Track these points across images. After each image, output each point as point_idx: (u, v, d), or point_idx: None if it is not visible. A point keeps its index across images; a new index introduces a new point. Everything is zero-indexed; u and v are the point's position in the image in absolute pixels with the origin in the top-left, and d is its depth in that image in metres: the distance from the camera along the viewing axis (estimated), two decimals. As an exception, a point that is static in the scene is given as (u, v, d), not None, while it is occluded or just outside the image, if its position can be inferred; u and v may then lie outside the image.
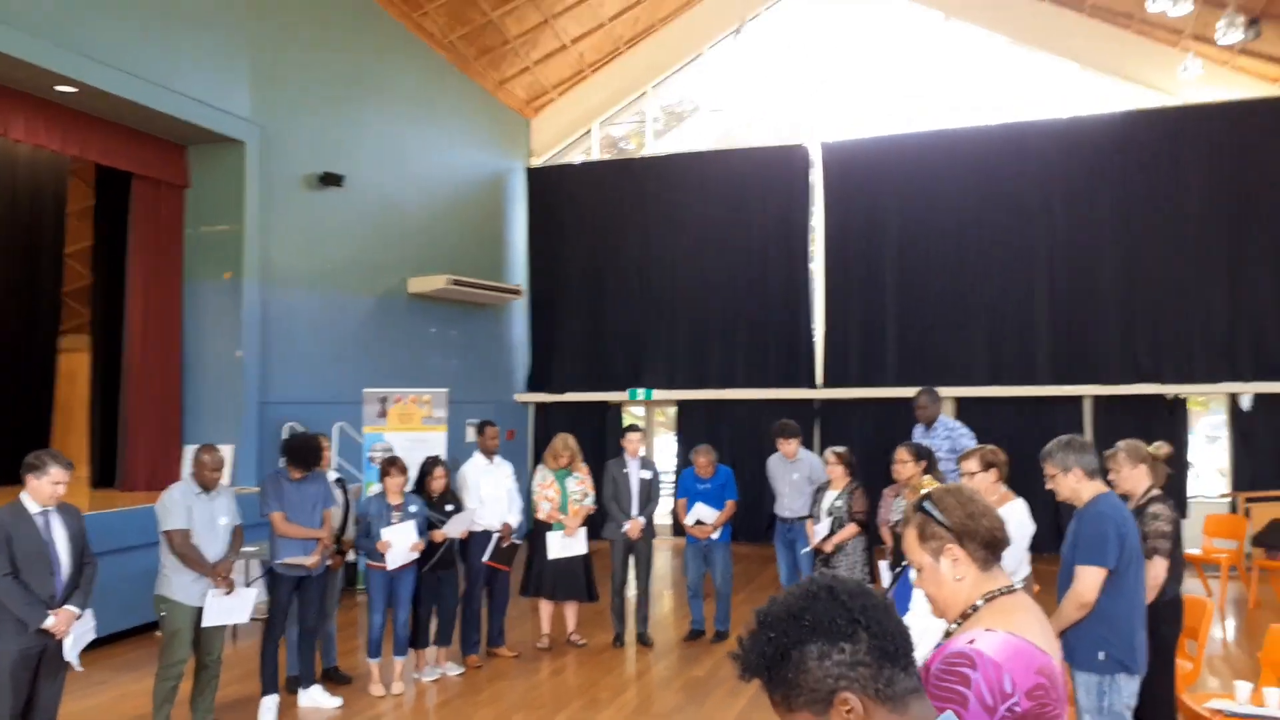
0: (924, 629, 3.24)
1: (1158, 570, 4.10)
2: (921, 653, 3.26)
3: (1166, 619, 4.16)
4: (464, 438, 11.26)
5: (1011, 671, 1.79)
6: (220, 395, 8.90)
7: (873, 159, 12.01)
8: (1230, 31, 7.49)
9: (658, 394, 12.61)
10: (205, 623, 5.21)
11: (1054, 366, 11.24)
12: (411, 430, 9.73)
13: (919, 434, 6.80)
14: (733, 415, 12.21)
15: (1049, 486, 3.95)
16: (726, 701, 6.08)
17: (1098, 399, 11.13)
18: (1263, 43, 10.02)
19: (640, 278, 12.89)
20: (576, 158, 13.72)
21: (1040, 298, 11.36)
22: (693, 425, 12.51)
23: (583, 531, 7.26)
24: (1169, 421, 10.72)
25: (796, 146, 12.50)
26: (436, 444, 10.02)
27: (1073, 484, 3.90)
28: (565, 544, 7.19)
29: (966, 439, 6.56)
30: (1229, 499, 10.47)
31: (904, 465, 5.76)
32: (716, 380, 12.36)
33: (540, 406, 13.22)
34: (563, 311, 13.23)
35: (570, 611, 7.45)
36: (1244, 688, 4.22)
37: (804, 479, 7.14)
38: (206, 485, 5.26)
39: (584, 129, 13.66)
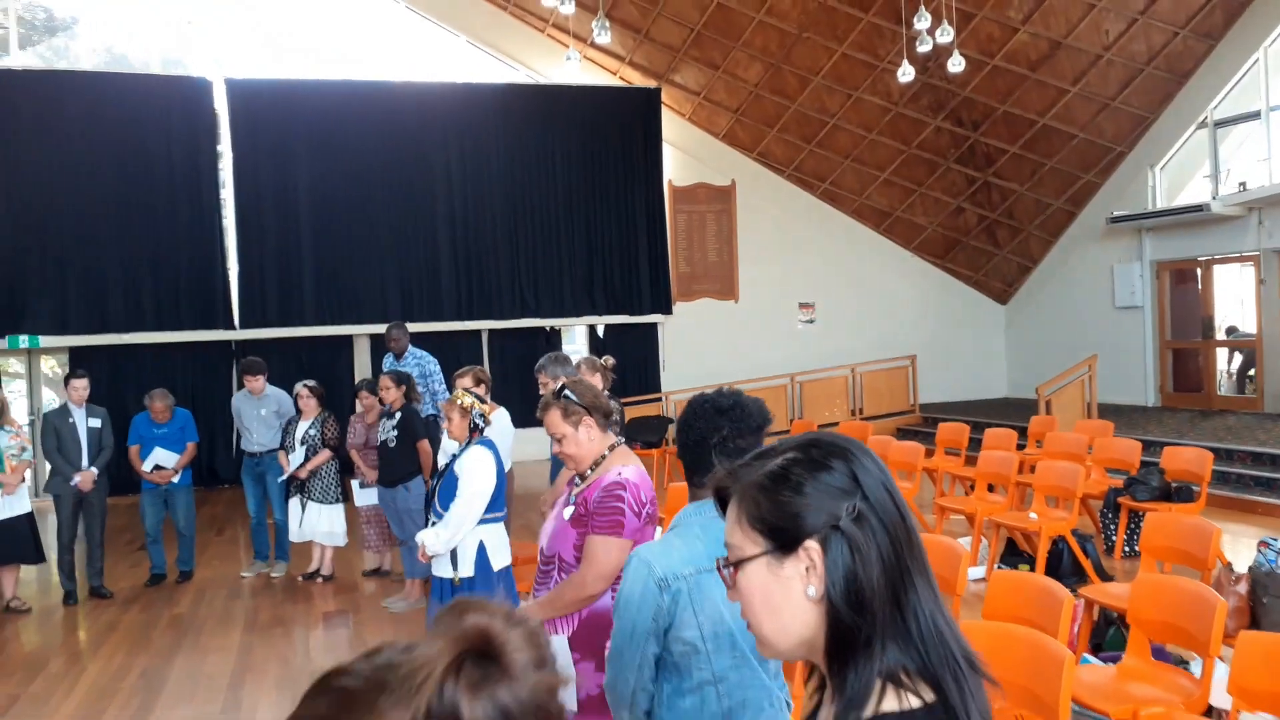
0: (463, 516, 4.17)
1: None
2: (465, 531, 4.15)
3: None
4: None
5: (644, 488, 2.82)
6: None
7: (280, 100, 12.11)
8: (602, 32, 9.38)
9: (45, 340, 11.24)
10: None
11: (457, 304, 12.75)
12: None
13: (391, 363, 7.55)
14: (141, 361, 11.45)
15: (543, 394, 5.10)
16: (222, 630, 6.27)
17: (493, 332, 12.94)
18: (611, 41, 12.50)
19: (11, 206, 11.22)
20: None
21: (444, 243, 12.75)
22: (91, 374, 11.38)
23: (24, 488, 6.69)
24: (547, 348, 12.95)
25: (199, 78, 12.01)
26: None
27: (558, 390, 5.12)
28: (5, 504, 6.56)
29: (432, 364, 7.52)
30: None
31: (387, 391, 6.60)
32: (120, 324, 11.44)
33: (-124, 360, 10.85)
34: (-98, 245, 10.93)
35: (8, 576, 6.78)
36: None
37: (272, 413, 7.43)
38: None
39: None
